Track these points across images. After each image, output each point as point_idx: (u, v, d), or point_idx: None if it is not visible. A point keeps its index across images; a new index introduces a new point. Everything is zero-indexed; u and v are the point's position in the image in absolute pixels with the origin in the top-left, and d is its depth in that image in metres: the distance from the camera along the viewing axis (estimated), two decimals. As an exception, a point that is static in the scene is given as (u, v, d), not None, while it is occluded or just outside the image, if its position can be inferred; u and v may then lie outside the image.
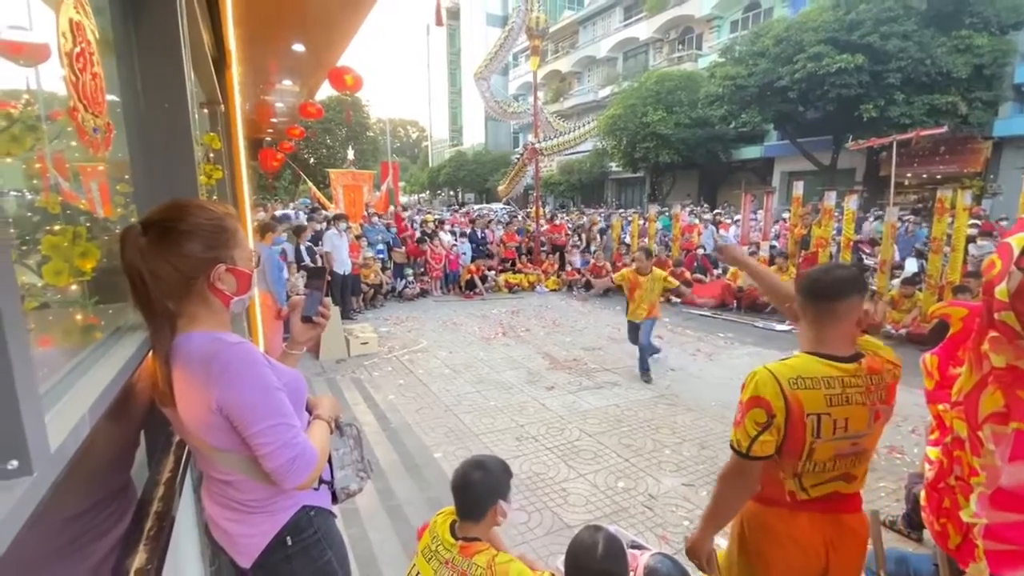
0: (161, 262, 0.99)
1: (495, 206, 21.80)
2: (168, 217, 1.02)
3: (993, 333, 0.94)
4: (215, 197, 4.02)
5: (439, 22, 10.97)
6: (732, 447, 1.32)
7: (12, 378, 0.51)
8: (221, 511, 1.12)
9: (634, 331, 5.29)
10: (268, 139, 12.87)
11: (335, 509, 1.31)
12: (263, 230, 6.08)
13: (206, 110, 4.06)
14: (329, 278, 6.62)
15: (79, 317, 1.11)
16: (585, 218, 14.27)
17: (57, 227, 0.98)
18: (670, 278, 5.31)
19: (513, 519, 2.89)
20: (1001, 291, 0.88)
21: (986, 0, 12.78)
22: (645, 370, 5.16)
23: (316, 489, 1.20)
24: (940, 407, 1.43)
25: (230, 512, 1.11)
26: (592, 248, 11.42)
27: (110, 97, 1.28)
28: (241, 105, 7.19)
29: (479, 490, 1.55)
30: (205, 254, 1.03)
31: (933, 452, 1.44)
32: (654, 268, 5.23)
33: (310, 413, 1.24)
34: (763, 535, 1.37)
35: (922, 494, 1.39)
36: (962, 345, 1.38)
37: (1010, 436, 0.95)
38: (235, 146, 4.50)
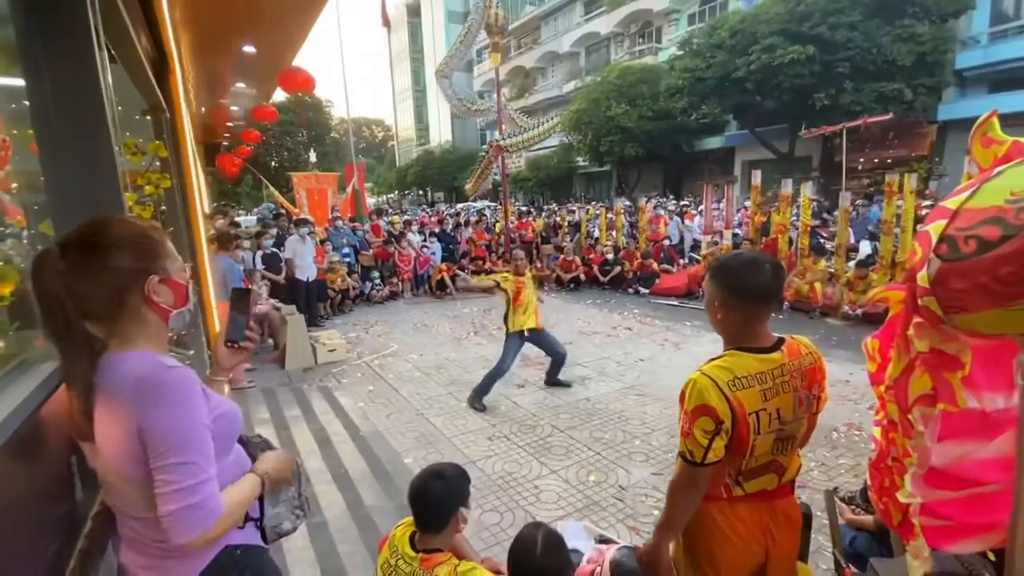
0: (88, 281, 0.93)
1: (478, 204, 21.58)
2: (89, 233, 0.97)
3: (917, 319, 0.97)
4: (163, 207, 3.87)
5: (385, 23, 10.84)
6: (684, 458, 1.30)
7: None
8: (135, 557, 1.02)
9: (516, 347, 4.59)
10: (225, 144, 12.49)
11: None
12: (221, 240, 5.88)
13: (149, 117, 3.90)
14: (266, 297, 6.39)
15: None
16: (556, 215, 14.34)
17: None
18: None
19: (485, 520, 2.88)
20: (922, 277, 0.90)
21: (925, -11, 13.36)
22: (561, 381, 4.85)
23: (241, 528, 1.10)
24: (882, 388, 1.47)
25: (143, 557, 1.02)
26: (561, 243, 11.48)
27: (16, 109, 1.20)
28: (192, 110, 6.94)
29: (439, 501, 1.52)
30: (135, 265, 0.98)
31: (877, 431, 1.48)
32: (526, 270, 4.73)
33: (243, 445, 1.18)
34: (707, 532, 1.38)
35: (867, 473, 1.43)
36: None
37: (937, 417, 0.98)
38: (184, 153, 4.34)
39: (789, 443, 1.38)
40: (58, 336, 0.94)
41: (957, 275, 0.83)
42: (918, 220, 7.01)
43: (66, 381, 0.95)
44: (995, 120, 0.93)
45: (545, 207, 19.02)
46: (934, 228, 0.89)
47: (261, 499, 1.15)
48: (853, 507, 2.12)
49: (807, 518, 1.69)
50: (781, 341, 1.38)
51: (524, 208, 17.99)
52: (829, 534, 2.10)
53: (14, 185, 1.50)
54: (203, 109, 8.87)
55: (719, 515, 1.36)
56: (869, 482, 1.43)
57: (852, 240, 8.20)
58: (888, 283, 6.69)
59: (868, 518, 1.98)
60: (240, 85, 7.66)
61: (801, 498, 1.93)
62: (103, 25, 1.55)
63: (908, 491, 1.04)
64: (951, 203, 0.88)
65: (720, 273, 1.37)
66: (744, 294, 1.32)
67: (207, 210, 8.30)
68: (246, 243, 7.59)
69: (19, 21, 1.22)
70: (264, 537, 1.19)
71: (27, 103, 1.31)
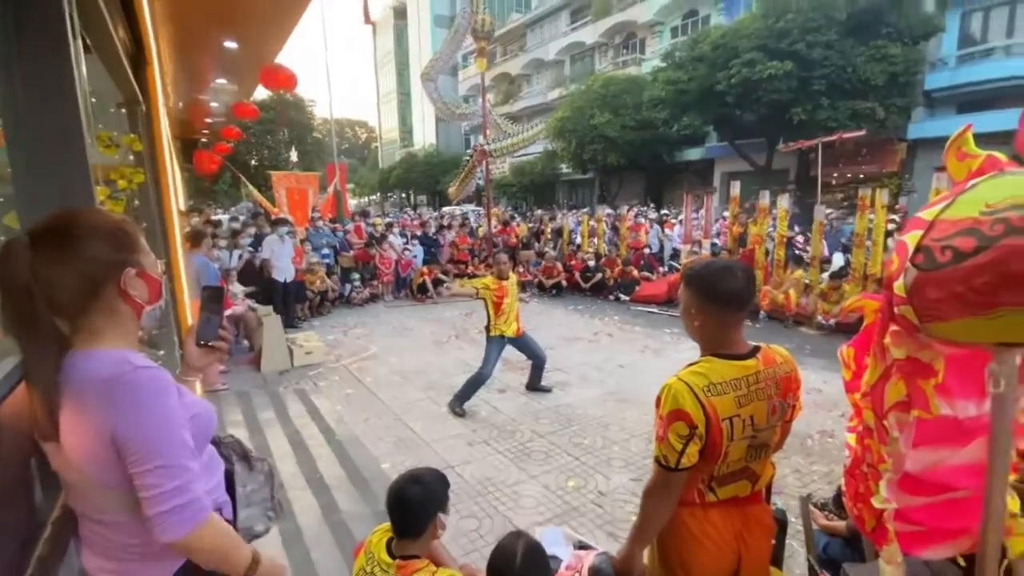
0: (63, 270, 0.89)
1: (461, 208, 21.57)
2: (62, 223, 0.93)
3: (894, 327, 0.99)
4: (137, 202, 3.76)
5: (367, 20, 10.86)
6: (659, 462, 1.31)
7: None
8: (99, 561, 0.99)
9: (497, 351, 4.53)
10: (203, 140, 12.22)
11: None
12: (196, 237, 5.74)
13: (124, 110, 3.79)
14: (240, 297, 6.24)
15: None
16: (541, 222, 14.39)
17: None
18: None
19: (463, 526, 2.84)
20: (899, 286, 0.92)
21: (898, 12, 13.85)
22: (542, 387, 4.88)
23: None
24: (857, 396, 1.50)
25: (107, 562, 0.98)
26: (543, 249, 11.53)
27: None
28: (169, 104, 6.77)
29: (417, 506, 1.50)
30: (112, 256, 0.94)
31: (851, 438, 1.50)
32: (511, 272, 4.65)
33: (216, 446, 1.15)
34: (680, 539, 1.39)
35: (842, 480, 1.45)
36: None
37: (912, 423, 1.00)
38: (159, 147, 4.23)
39: (762, 450, 1.40)
40: (23, 330, 0.89)
41: (933, 284, 0.85)
42: (888, 234, 7.23)
43: (27, 378, 0.90)
44: (970, 135, 0.96)
45: (529, 213, 19.10)
46: (911, 238, 0.91)
47: (234, 499, 1.11)
48: (827, 513, 2.16)
49: (782, 524, 1.71)
50: (757, 349, 1.40)
51: (509, 215, 17.99)
52: (803, 540, 2.13)
53: (-23, 175, 1.44)
54: (181, 104, 8.67)
55: (691, 520, 1.37)
56: (844, 488, 1.46)
57: (826, 252, 8.40)
58: (861, 293, 6.85)
59: (841, 524, 2.02)
60: (220, 81, 7.50)
61: (776, 504, 1.96)
62: (78, 12, 1.50)
63: (883, 496, 1.06)
64: (927, 214, 0.90)
65: (694, 280, 1.39)
66: (718, 300, 1.34)
67: (183, 207, 8.10)
68: (223, 242, 7.43)
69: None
70: None
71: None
